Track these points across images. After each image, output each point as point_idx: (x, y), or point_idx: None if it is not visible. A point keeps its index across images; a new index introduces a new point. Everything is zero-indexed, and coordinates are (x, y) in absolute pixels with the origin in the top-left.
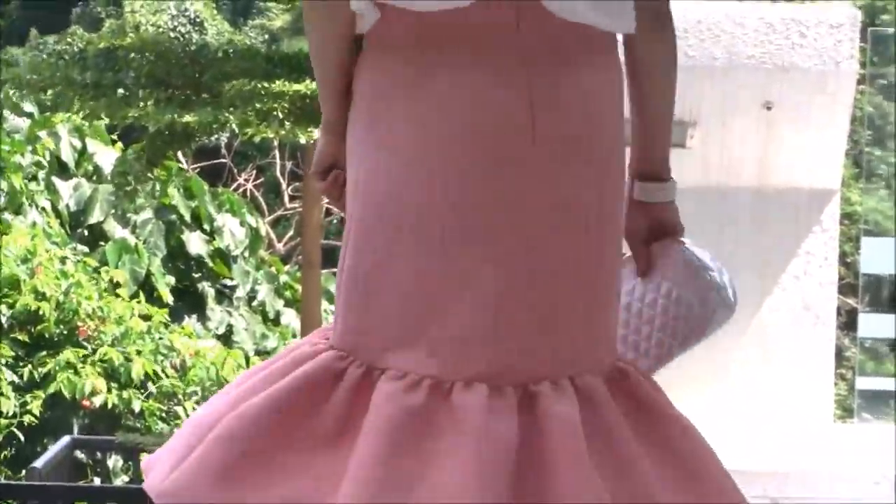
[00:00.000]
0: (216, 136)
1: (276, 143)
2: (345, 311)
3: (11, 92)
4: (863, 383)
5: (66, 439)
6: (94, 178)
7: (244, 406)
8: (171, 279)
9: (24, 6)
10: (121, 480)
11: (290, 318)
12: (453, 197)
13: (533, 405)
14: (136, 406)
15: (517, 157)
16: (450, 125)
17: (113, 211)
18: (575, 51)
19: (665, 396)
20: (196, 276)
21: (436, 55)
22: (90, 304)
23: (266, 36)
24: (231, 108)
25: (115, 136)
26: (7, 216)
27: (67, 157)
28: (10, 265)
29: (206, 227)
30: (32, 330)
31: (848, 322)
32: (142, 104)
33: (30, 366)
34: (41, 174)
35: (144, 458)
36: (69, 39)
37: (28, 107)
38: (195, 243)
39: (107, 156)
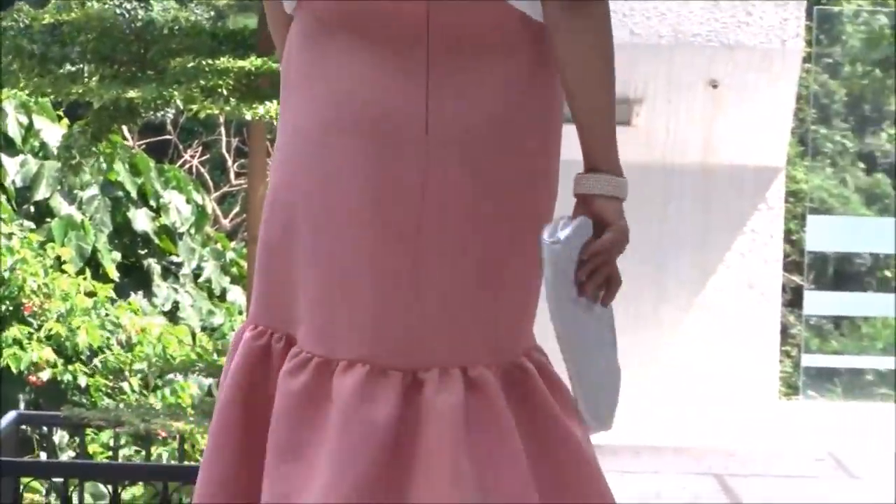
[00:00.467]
0: (162, 112)
1: (221, 119)
2: (258, 279)
3: None
4: (808, 360)
5: (11, 414)
6: (41, 154)
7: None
8: (117, 255)
9: None
10: (67, 455)
11: (237, 294)
12: (341, 184)
13: (418, 392)
14: (83, 382)
15: (407, 147)
16: (337, 112)
17: (59, 187)
18: (483, 43)
19: (564, 401)
20: (142, 252)
21: (328, 41)
22: (36, 281)
23: (212, 13)
24: (176, 85)
25: (60, 113)
26: None
27: (14, 133)
28: None
29: (153, 203)
30: None
31: (793, 299)
32: (87, 80)
33: None
34: None
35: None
36: (15, 15)
37: None
38: (141, 220)
39: (53, 132)
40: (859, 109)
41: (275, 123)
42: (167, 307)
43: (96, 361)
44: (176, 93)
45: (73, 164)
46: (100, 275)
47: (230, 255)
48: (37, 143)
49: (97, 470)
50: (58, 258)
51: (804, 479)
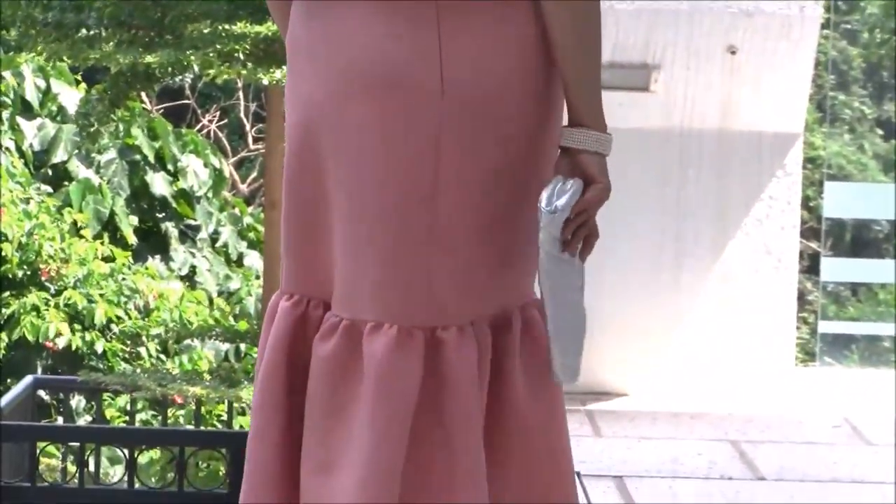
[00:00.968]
0: (180, 77)
1: (240, 84)
2: (286, 252)
3: None
4: (825, 327)
5: (28, 379)
6: (59, 118)
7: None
8: (135, 219)
9: None
10: (83, 420)
11: (254, 259)
12: (358, 149)
13: (437, 350)
14: (99, 347)
15: (421, 108)
16: (348, 78)
17: (77, 151)
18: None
19: (537, 362)
20: (160, 216)
21: (332, 7)
22: (53, 246)
23: None
24: (193, 50)
25: (78, 77)
26: None
27: (32, 97)
28: None
29: (170, 167)
30: None
31: (810, 266)
32: (104, 45)
33: None
34: (5, 114)
35: None
36: None
37: None
38: (159, 184)
39: (71, 96)
40: (877, 76)
41: None
42: (184, 271)
43: (114, 328)
44: (193, 58)
45: (91, 132)
46: (117, 238)
47: (247, 219)
48: (54, 107)
49: (114, 434)
50: (75, 223)
51: (820, 446)
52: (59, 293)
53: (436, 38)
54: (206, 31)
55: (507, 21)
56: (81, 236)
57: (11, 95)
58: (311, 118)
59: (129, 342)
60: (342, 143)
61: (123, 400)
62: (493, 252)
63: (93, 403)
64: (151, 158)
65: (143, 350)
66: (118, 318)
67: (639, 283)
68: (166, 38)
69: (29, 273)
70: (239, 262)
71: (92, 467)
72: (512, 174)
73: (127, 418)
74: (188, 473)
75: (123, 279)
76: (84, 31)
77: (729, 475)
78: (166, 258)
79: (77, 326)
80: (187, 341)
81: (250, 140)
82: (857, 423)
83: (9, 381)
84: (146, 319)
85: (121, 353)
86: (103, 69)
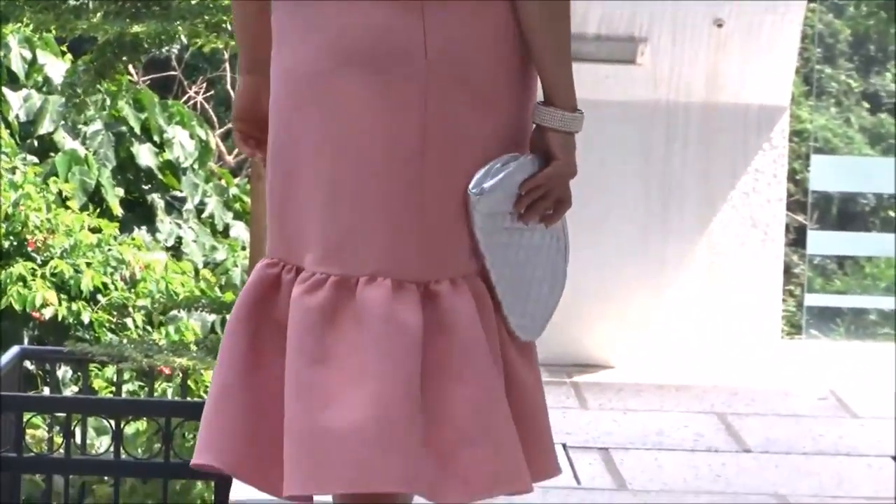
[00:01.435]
0: (166, 48)
1: (226, 55)
2: (269, 221)
3: None
4: (811, 300)
5: (15, 349)
6: (45, 89)
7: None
8: (121, 191)
9: None
10: (70, 391)
11: (240, 230)
12: (346, 112)
13: (433, 302)
14: (86, 318)
15: (407, 70)
16: (334, 48)
17: (63, 122)
18: None
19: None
20: (145, 187)
21: None
22: (39, 216)
23: None
24: (180, 20)
25: (64, 48)
26: None
27: (17, 67)
28: None
29: (156, 139)
30: None
31: (797, 239)
32: (91, 16)
33: None
34: None
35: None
36: None
37: None
38: (145, 155)
39: (57, 67)
40: (864, 49)
41: None
42: (170, 242)
43: (100, 299)
44: (180, 28)
45: (77, 103)
46: (103, 209)
47: (233, 190)
48: (40, 78)
49: (100, 405)
50: (60, 194)
51: (806, 418)
52: (45, 263)
53: (419, 16)
54: (193, 1)
55: (485, 4)
56: (68, 207)
57: None
58: (298, 92)
59: (115, 313)
60: (329, 111)
61: (110, 371)
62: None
63: (79, 374)
64: (137, 130)
65: (129, 321)
66: (105, 287)
67: (625, 255)
68: (153, 8)
69: (15, 243)
70: (225, 232)
71: (78, 438)
72: (497, 141)
73: (113, 389)
74: (174, 444)
75: (110, 250)
76: (71, 1)
77: (715, 447)
78: (152, 229)
79: (63, 297)
80: (174, 312)
81: None
82: (843, 396)
83: None
84: (132, 290)
85: (107, 324)
86: (90, 40)
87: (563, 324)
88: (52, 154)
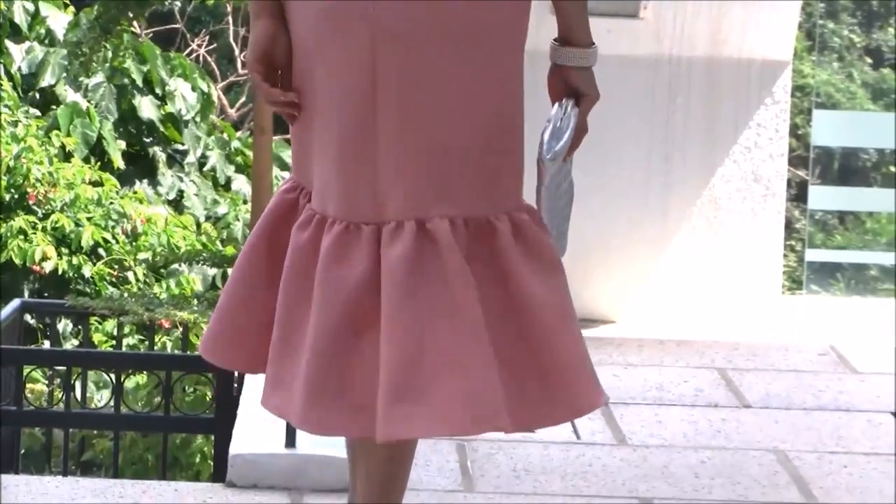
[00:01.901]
0: (169, 1)
1: (229, 9)
2: (293, 148)
3: None
4: (812, 255)
5: (15, 303)
6: (47, 41)
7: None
8: (122, 144)
9: None
10: (70, 344)
11: (241, 183)
12: (323, 67)
13: (379, 245)
14: (87, 272)
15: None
16: (317, 15)
17: (65, 75)
18: None
19: (540, 260)
20: (147, 140)
21: None
22: (41, 169)
23: None
24: None
25: (66, 1)
26: None
27: (20, 20)
28: None
29: (158, 91)
30: None
31: (798, 194)
32: None
33: None
34: None
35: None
36: None
37: None
38: (147, 108)
39: (59, 19)
40: (867, 4)
41: None
42: (172, 196)
43: (101, 252)
44: None
45: (83, 61)
46: (105, 163)
47: (235, 144)
48: (43, 31)
49: (100, 359)
50: (62, 147)
51: (806, 374)
52: (46, 217)
53: None
54: None
55: None
56: (69, 160)
57: (0, 19)
58: (300, 47)
59: (116, 266)
60: (312, 63)
61: (110, 325)
62: (440, 152)
63: (80, 328)
64: (139, 82)
65: (130, 275)
66: (105, 241)
67: (627, 210)
68: None
69: (16, 197)
70: (227, 186)
71: (78, 392)
72: (464, 75)
73: (114, 343)
74: (174, 398)
75: (111, 203)
76: None
77: (715, 402)
78: (154, 182)
79: (64, 250)
80: (175, 266)
81: (239, 65)
82: (843, 351)
83: None
84: (133, 244)
85: (108, 278)
86: None
87: None
88: (54, 107)
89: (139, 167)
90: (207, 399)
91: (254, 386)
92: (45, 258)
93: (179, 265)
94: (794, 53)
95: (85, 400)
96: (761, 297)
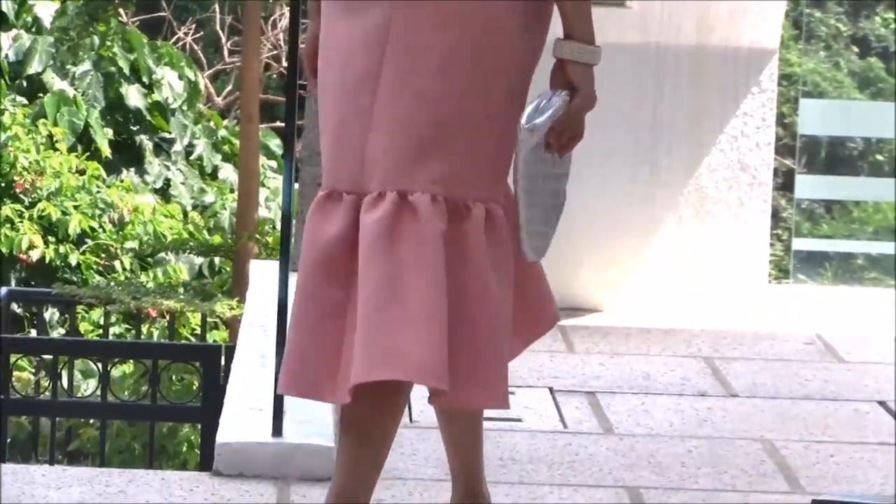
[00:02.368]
0: None
1: None
2: (324, 155)
3: None
4: (798, 244)
5: (2, 291)
6: (34, 29)
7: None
8: (109, 132)
9: None
10: (57, 333)
11: (228, 172)
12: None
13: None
14: (73, 260)
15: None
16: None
17: (52, 63)
18: None
19: (501, 253)
20: (134, 128)
21: None
22: (27, 158)
23: None
24: None
25: None
26: None
27: (7, 8)
28: None
29: (145, 80)
30: None
31: (785, 183)
32: None
33: None
34: None
35: None
36: None
37: None
38: (134, 96)
39: (46, 7)
40: None
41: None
42: (159, 184)
43: (88, 241)
44: None
45: (71, 47)
46: (92, 151)
47: (222, 132)
48: (30, 19)
49: (87, 347)
50: (49, 135)
51: (793, 363)
52: (32, 205)
53: None
54: None
55: None
56: (56, 149)
57: None
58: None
59: (103, 255)
60: (337, 38)
61: (97, 314)
62: (432, 133)
63: (66, 316)
64: (126, 71)
65: (117, 263)
66: (92, 230)
67: (613, 198)
68: None
69: (3, 185)
70: (213, 175)
71: (65, 380)
72: (466, 67)
73: (100, 332)
74: (161, 387)
75: (98, 192)
76: None
77: (701, 391)
78: (140, 171)
79: (51, 239)
80: (161, 255)
81: (226, 53)
82: (830, 340)
83: None
84: (120, 233)
85: (95, 266)
86: None
87: (550, 267)
88: (41, 95)
89: (126, 155)
90: (194, 388)
91: (240, 375)
92: (31, 247)
93: (166, 254)
94: (780, 42)
95: (72, 389)
96: (748, 287)
